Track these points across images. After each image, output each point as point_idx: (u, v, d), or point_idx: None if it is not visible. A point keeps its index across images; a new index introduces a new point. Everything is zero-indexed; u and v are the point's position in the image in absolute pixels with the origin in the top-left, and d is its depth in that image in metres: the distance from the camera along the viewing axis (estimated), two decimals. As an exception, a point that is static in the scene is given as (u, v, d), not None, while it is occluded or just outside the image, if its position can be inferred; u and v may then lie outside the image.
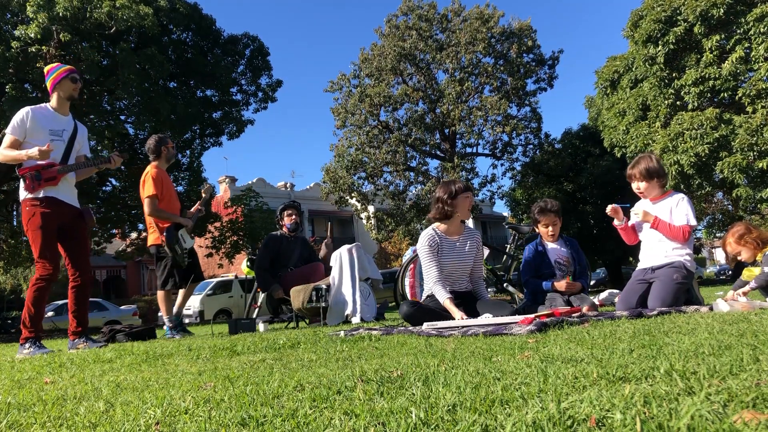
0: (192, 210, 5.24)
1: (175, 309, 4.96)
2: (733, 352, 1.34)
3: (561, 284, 3.84)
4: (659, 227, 3.40)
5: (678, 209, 3.41)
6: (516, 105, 21.59)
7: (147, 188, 4.77)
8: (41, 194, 3.64)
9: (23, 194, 3.68)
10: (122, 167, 16.45)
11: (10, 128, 3.66)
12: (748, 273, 3.53)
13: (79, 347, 3.71)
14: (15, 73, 12.25)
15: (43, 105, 3.85)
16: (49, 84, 3.86)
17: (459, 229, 3.57)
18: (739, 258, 3.61)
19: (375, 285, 5.37)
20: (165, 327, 4.89)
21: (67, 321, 3.93)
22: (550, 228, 4.01)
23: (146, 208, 4.80)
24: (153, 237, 4.88)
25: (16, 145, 3.65)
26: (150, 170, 4.83)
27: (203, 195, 5.41)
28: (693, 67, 13.08)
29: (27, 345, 3.63)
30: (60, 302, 18.49)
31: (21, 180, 3.66)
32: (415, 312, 3.28)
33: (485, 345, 2.01)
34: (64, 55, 12.49)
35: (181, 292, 4.99)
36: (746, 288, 3.39)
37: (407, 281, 5.64)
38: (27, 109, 3.71)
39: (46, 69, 3.93)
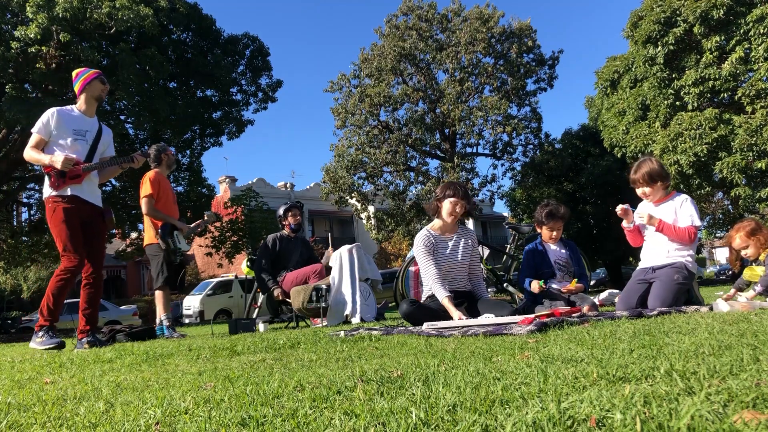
0: (192, 225, 5.27)
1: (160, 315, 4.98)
2: (733, 352, 1.34)
3: (569, 287, 3.81)
4: (664, 230, 3.39)
5: (682, 210, 3.40)
6: (516, 105, 21.58)
7: (144, 189, 4.90)
8: (66, 192, 3.73)
9: (47, 191, 3.77)
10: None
11: (36, 128, 3.78)
12: (750, 272, 3.52)
13: (86, 346, 3.74)
14: (15, 73, 12.24)
15: (68, 107, 3.94)
16: (78, 85, 3.95)
17: (453, 229, 3.61)
18: (744, 253, 3.58)
19: (375, 285, 5.37)
20: (163, 326, 4.88)
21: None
22: (554, 233, 4.02)
23: (143, 208, 4.92)
24: (148, 236, 4.97)
25: (41, 144, 3.77)
26: (149, 173, 4.96)
27: (205, 218, 5.47)
28: (693, 68, 13.08)
29: (40, 333, 3.71)
30: (60, 302, 18.44)
31: (46, 177, 3.76)
32: (414, 311, 3.28)
33: (485, 345, 2.01)
34: (64, 56, 12.48)
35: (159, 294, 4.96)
36: (751, 293, 3.38)
37: (410, 282, 5.63)
38: (53, 109, 3.82)
39: (74, 72, 4.05)
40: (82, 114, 3.92)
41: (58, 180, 3.70)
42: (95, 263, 3.91)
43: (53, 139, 3.77)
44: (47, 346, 3.64)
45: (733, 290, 3.63)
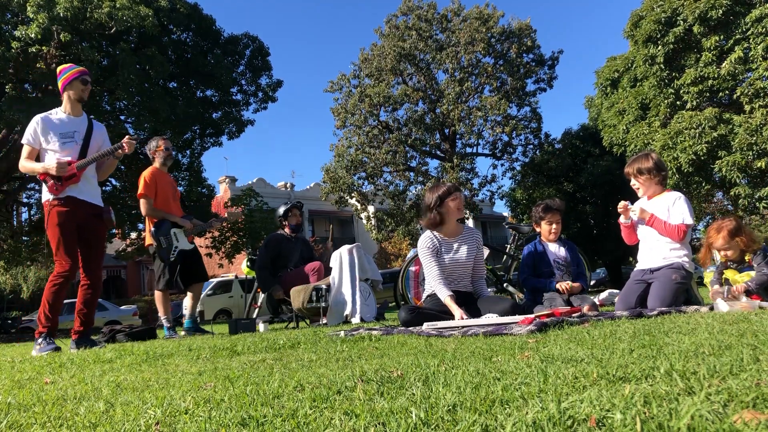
0: (205, 222, 5.25)
1: (188, 311, 4.99)
2: (733, 352, 1.34)
3: (565, 285, 3.80)
4: (654, 224, 3.43)
5: (675, 208, 3.43)
6: (516, 105, 21.57)
7: (139, 189, 4.85)
8: (64, 194, 3.73)
9: (46, 196, 3.77)
10: (122, 167, 16.47)
11: (25, 139, 3.79)
12: (731, 276, 3.44)
13: (73, 348, 3.73)
14: (15, 73, 12.24)
15: (53, 110, 3.92)
16: (60, 84, 3.92)
17: (457, 230, 3.54)
18: (722, 254, 3.47)
19: (375, 285, 5.37)
20: (164, 327, 4.89)
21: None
22: (554, 226, 4.01)
23: (141, 208, 4.88)
24: (149, 237, 4.92)
25: (33, 154, 3.79)
26: (145, 172, 4.90)
27: (226, 215, 5.50)
28: (692, 67, 13.08)
29: (39, 340, 3.73)
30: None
31: (43, 183, 3.76)
32: (413, 318, 3.24)
33: (485, 345, 2.01)
34: (64, 56, 12.48)
35: (189, 294, 5.00)
36: (741, 286, 3.30)
37: (410, 282, 5.63)
38: (37, 117, 3.82)
39: (58, 69, 3.99)
40: (68, 115, 3.89)
41: (56, 183, 3.71)
42: (93, 265, 3.88)
43: (43, 146, 3.77)
44: (44, 353, 3.64)
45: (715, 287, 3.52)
